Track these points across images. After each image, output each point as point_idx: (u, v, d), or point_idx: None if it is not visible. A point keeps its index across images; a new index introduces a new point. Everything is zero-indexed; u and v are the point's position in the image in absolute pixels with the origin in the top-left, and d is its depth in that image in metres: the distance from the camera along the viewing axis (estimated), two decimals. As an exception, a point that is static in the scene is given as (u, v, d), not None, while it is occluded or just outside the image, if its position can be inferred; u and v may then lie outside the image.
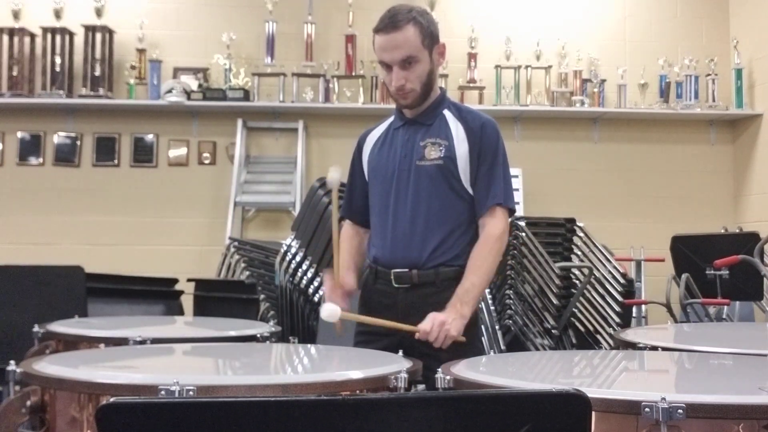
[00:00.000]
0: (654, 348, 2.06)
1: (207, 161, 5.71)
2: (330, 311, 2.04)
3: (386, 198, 2.33)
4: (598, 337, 4.24)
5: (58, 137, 5.68)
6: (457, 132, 2.30)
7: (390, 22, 2.23)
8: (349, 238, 2.47)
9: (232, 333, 2.46)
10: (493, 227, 2.25)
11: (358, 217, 2.47)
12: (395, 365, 1.73)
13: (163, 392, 1.42)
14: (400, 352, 1.97)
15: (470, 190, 2.30)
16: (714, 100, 5.77)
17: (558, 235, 4.45)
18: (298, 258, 4.24)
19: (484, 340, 3.89)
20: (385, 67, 2.28)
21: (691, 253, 4.50)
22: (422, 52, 2.26)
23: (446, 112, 2.35)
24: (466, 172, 2.28)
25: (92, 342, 2.26)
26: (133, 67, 5.65)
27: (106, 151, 5.69)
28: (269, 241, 5.07)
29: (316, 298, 4.00)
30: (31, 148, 5.67)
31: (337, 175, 2.17)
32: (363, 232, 2.47)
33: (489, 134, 2.30)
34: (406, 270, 2.28)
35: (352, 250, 2.44)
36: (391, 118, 2.45)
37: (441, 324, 2.10)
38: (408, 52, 2.23)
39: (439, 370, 1.66)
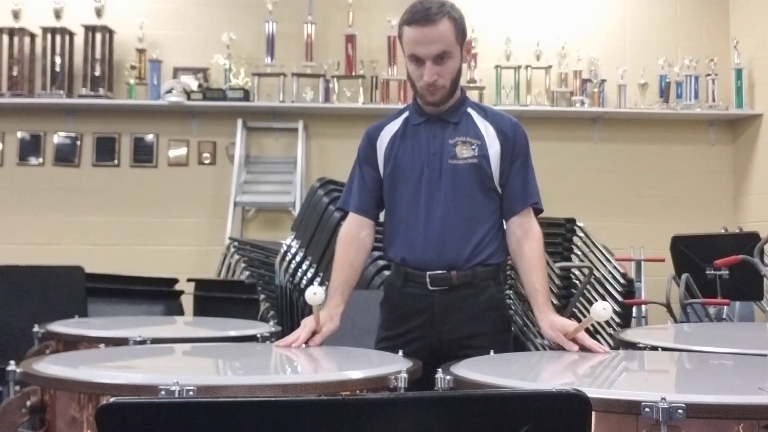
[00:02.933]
0: (654, 348, 2.06)
1: (207, 161, 5.71)
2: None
3: (415, 197, 2.24)
4: (598, 337, 4.24)
5: (58, 137, 5.68)
6: (487, 132, 2.26)
7: (425, 16, 2.14)
8: (345, 246, 2.31)
9: (232, 333, 2.46)
10: (536, 226, 2.27)
11: (367, 211, 2.34)
12: (395, 365, 1.73)
13: (163, 392, 1.42)
14: (400, 352, 1.97)
15: (500, 190, 2.28)
16: (714, 100, 5.77)
17: (558, 235, 4.45)
18: (298, 258, 4.24)
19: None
20: (415, 61, 2.20)
21: (691, 253, 4.50)
22: (455, 48, 2.20)
23: (471, 111, 2.31)
24: (497, 172, 2.25)
25: (92, 342, 2.26)
26: (133, 67, 5.65)
27: (106, 151, 5.69)
28: (269, 241, 5.07)
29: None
30: (31, 148, 5.67)
31: (320, 296, 2.05)
32: (368, 226, 2.34)
33: (522, 135, 2.30)
34: (444, 271, 2.21)
35: (347, 267, 2.28)
36: (405, 114, 2.35)
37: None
38: (443, 47, 2.16)
39: (439, 370, 1.66)
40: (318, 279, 4.09)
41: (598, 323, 4.23)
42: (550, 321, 2.10)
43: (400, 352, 1.97)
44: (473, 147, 2.24)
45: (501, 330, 2.26)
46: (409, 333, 2.22)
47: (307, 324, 2.12)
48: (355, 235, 2.33)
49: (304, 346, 2.09)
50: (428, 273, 2.21)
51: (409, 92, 5.60)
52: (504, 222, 2.32)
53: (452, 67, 2.21)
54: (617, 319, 4.30)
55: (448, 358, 1.95)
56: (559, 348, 2.08)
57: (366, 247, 2.34)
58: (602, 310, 1.94)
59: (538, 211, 2.32)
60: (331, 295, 2.22)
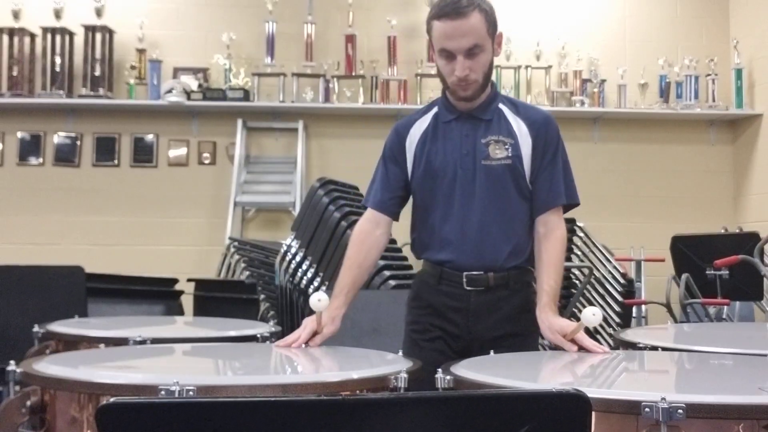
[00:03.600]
0: (654, 348, 2.06)
1: (207, 161, 5.71)
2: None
3: (450, 199, 2.20)
4: (598, 337, 4.24)
5: (58, 137, 5.68)
6: (519, 129, 2.22)
7: (455, 8, 2.08)
8: (358, 245, 2.27)
9: (232, 333, 2.46)
10: (562, 227, 2.23)
11: (386, 201, 2.29)
12: (395, 365, 1.73)
13: (163, 392, 1.42)
14: (400, 352, 1.97)
15: (530, 188, 2.24)
16: (714, 100, 5.77)
17: (558, 235, 4.44)
18: (298, 258, 4.24)
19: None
20: (446, 55, 2.13)
21: (691, 253, 4.50)
22: (487, 41, 2.14)
23: (503, 107, 2.25)
24: (529, 171, 2.22)
25: (92, 342, 2.26)
26: (133, 67, 5.65)
27: (106, 151, 5.69)
28: (269, 241, 5.07)
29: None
30: (31, 148, 5.67)
31: (325, 302, 2.03)
32: (385, 224, 2.29)
33: (553, 128, 2.25)
34: (482, 273, 2.18)
35: (356, 267, 2.25)
36: (434, 110, 2.29)
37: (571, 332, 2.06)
38: (475, 41, 2.10)
39: (439, 370, 1.66)
40: (318, 279, 4.09)
41: (599, 323, 4.23)
42: (549, 322, 2.10)
43: (400, 352, 1.96)
44: (506, 147, 2.20)
45: (532, 331, 2.23)
46: (442, 330, 2.22)
47: (308, 325, 2.11)
48: (369, 232, 2.29)
49: (304, 346, 2.09)
50: (465, 273, 2.19)
51: (410, 92, 5.65)
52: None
53: (484, 61, 2.15)
54: (617, 319, 4.31)
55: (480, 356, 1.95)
56: (559, 348, 2.08)
57: (379, 247, 2.30)
58: (592, 316, 1.94)
59: (573, 205, 2.28)
60: (336, 294, 2.19)
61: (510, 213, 2.20)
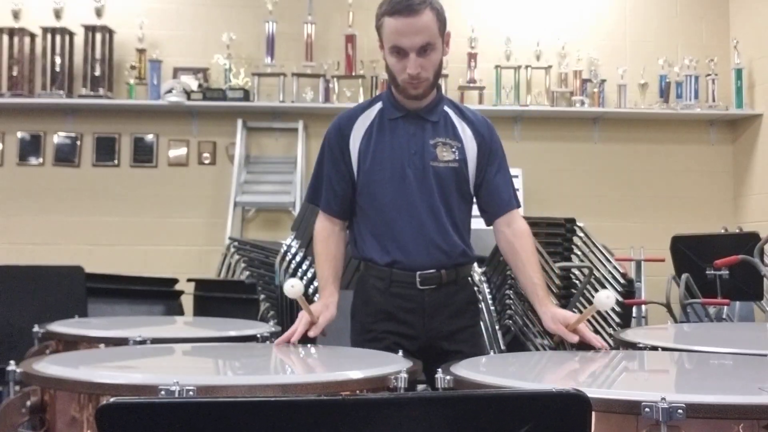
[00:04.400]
0: (654, 348, 2.06)
1: (207, 161, 5.71)
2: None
3: (399, 198, 2.22)
4: (599, 337, 4.23)
5: (58, 137, 5.68)
6: (464, 133, 2.26)
7: (408, 6, 2.09)
8: (324, 240, 2.30)
9: (232, 333, 2.46)
10: (523, 223, 2.32)
11: (336, 207, 2.30)
12: (395, 365, 1.72)
13: (163, 392, 1.42)
14: (400, 352, 1.97)
15: (473, 191, 2.30)
16: (714, 100, 5.77)
17: (558, 235, 4.45)
18: (298, 258, 4.24)
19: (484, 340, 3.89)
20: (397, 53, 2.14)
21: (691, 253, 4.50)
22: (438, 40, 2.15)
23: (448, 110, 2.30)
24: (473, 175, 2.28)
25: (92, 342, 2.26)
26: (133, 67, 5.66)
27: (106, 151, 5.69)
28: (269, 241, 5.07)
29: (316, 298, 3.99)
30: (31, 148, 5.67)
31: (299, 288, 2.02)
32: (340, 225, 2.32)
33: (496, 134, 2.33)
34: (434, 271, 2.23)
35: (331, 259, 2.27)
36: (378, 106, 2.29)
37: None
38: (427, 39, 2.12)
39: (439, 370, 1.66)
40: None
41: (600, 317, 4.24)
42: (552, 313, 2.13)
43: (400, 352, 1.96)
44: (453, 150, 2.24)
45: (476, 322, 2.36)
46: (396, 335, 2.22)
47: (303, 317, 2.11)
48: (330, 230, 2.32)
49: (308, 342, 2.09)
50: (418, 273, 2.22)
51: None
52: (486, 222, 2.35)
53: (435, 59, 2.17)
54: (617, 319, 4.30)
55: (437, 353, 2.02)
56: (561, 342, 2.09)
57: (344, 241, 2.34)
58: (605, 298, 1.97)
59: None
60: (323, 286, 2.23)
61: (457, 213, 2.27)
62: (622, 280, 4.45)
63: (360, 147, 2.27)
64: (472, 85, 5.68)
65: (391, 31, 2.13)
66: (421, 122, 2.26)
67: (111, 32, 5.58)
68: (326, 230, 2.32)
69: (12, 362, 1.68)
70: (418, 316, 2.22)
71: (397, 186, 2.22)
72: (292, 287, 2.02)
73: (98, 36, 5.56)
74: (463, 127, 2.28)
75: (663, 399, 1.31)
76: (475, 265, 3.71)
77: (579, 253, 4.51)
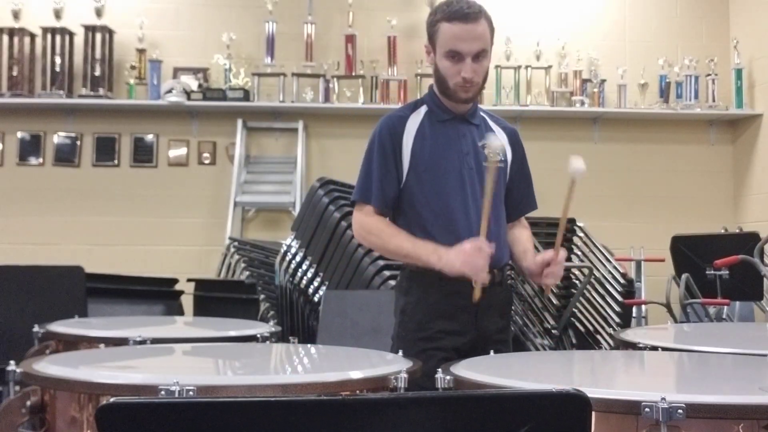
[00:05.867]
0: (654, 348, 2.06)
1: (207, 161, 5.71)
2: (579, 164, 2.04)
3: (457, 196, 2.25)
4: (598, 337, 4.24)
5: (58, 137, 5.68)
6: (502, 138, 2.35)
7: (467, 13, 2.19)
8: (387, 223, 2.29)
9: (232, 333, 2.46)
10: (527, 226, 2.52)
11: (388, 204, 2.29)
12: (395, 365, 1.73)
13: (163, 392, 1.42)
14: (400, 352, 1.97)
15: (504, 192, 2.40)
16: (714, 100, 5.77)
17: (558, 235, 4.44)
18: (298, 258, 4.24)
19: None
20: (452, 57, 2.21)
21: (691, 253, 4.50)
22: (489, 48, 2.27)
23: (483, 115, 2.42)
24: (508, 176, 2.39)
25: (92, 342, 2.26)
26: (133, 67, 5.66)
27: (106, 151, 5.69)
28: (269, 241, 5.08)
29: (316, 298, 4.00)
30: (31, 148, 5.67)
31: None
32: (386, 221, 2.32)
33: (521, 141, 2.45)
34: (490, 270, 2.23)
35: (403, 232, 2.25)
36: (423, 108, 2.33)
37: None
38: (482, 45, 2.22)
39: (439, 370, 1.66)
40: (318, 279, 4.09)
41: (600, 317, 4.23)
42: (532, 261, 2.27)
43: (401, 352, 1.96)
44: (498, 152, 2.24)
45: (510, 322, 2.46)
46: (448, 333, 2.23)
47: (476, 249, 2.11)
48: (383, 220, 2.30)
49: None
50: None
51: (410, 92, 5.64)
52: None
53: (486, 66, 2.29)
54: (617, 319, 4.30)
55: (485, 352, 2.04)
56: (559, 341, 2.11)
57: None
58: (575, 162, 2.04)
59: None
60: (421, 245, 2.20)
61: (501, 213, 2.37)
62: (622, 280, 4.46)
63: (414, 146, 2.28)
64: (472, 85, 5.67)
65: (450, 36, 2.21)
66: (467, 125, 2.34)
67: (111, 32, 5.58)
68: (383, 220, 2.30)
69: (12, 362, 1.68)
70: (471, 315, 2.24)
71: (454, 184, 2.27)
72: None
73: (98, 36, 5.56)
74: (500, 132, 2.39)
75: (663, 399, 1.31)
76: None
77: (579, 253, 4.51)
